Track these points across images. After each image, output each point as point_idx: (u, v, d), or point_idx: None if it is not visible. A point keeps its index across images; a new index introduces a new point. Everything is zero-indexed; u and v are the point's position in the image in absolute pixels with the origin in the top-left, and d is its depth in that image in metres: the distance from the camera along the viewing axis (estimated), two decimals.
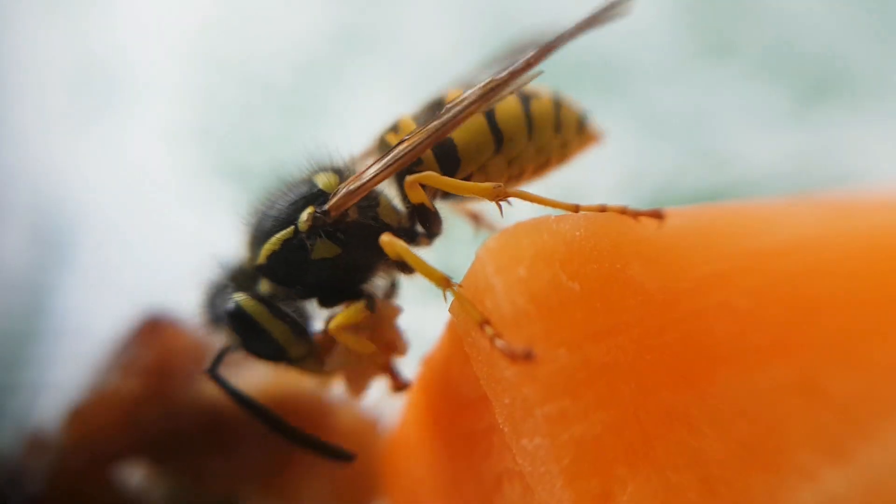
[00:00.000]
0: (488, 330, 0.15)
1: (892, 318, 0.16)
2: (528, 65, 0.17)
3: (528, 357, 0.15)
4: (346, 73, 0.30)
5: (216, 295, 0.18)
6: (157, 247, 0.25)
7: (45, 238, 0.25)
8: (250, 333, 0.18)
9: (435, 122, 0.17)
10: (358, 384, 0.18)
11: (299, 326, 0.18)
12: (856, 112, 0.30)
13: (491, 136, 0.18)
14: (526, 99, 0.19)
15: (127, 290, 0.23)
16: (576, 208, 0.17)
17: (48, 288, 0.23)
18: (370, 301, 0.18)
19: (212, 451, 0.19)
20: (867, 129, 0.30)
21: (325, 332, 0.18)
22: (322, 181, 0.18)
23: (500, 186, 0.17)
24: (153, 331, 0.19)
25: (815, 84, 0.31)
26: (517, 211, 0.18)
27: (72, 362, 0.21)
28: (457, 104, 0.17)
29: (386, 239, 0.17)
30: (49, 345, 0.22)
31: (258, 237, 0.18)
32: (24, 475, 0.19)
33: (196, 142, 0.28)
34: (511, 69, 0.17)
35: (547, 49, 0.17)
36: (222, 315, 0.18)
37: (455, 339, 0.17)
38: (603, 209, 0.17)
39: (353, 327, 0.18)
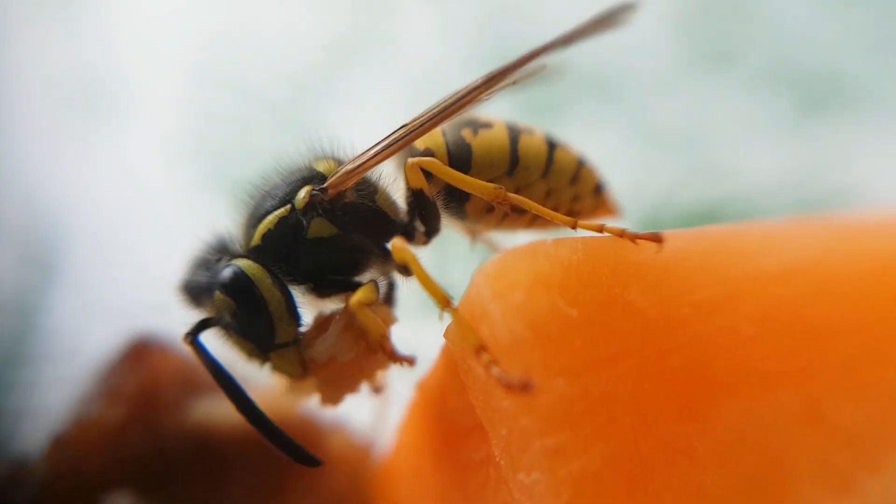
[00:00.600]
0: (485, 357, 0.15)
1: (892, 341, 0.16)
2: (531, 57, 0.17)
3: (525, 387, 0.14)
4: (341, 84, 0.30)
5: (205, 267, 0.18)
6: (150, 265, 0.24)
7: (35, 257, 0.24)
8: (247, 300, 0.17)
9: (436, 107, 0.17)
10: (335, 389, 0.17)
11: (294, 305, 0.17)
12: (855, 123, 0.30)
13: (508, 157, 0.18)
14: (553, 145, 0.19)
15: (117, 310, 0.23)
16: (574, 223, 0.17)
17: (36, 309, 0.23)
18: (377, 284, 0.17)
19: (199, 479, 0.18)
20: (866, 141, 0.30)
21: (316, 323, 0.18)
22: (322, 166, 0.18)
23: (501, 188, 0.17)
24: (140, 355, 0.19)
25: (814, 96, 0.31)
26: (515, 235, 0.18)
27: (56, 388, 0.21)
28: (460, 91, 0.17)
29: (397, 244, 0.17)
30: (34, 369, 0.21)
31: (253, 218, 0.18)
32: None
33: (191, 155, 0.27)
34: (515, 60, 0.17)
35: (550, 46, 0.17)
36: (216, 282, 0.17)
37: (450, 364, 0.17)
38: (601, 229, 0.17)
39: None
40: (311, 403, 0.18)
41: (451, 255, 0.24)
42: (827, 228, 0.18)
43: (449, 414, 0.17)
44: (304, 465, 0.17)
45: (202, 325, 0.17)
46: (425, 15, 0.31)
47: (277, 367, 0.18)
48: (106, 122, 0.28)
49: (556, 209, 0.19)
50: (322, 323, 0.18)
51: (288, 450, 0.17)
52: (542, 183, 0.19)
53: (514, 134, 0.19)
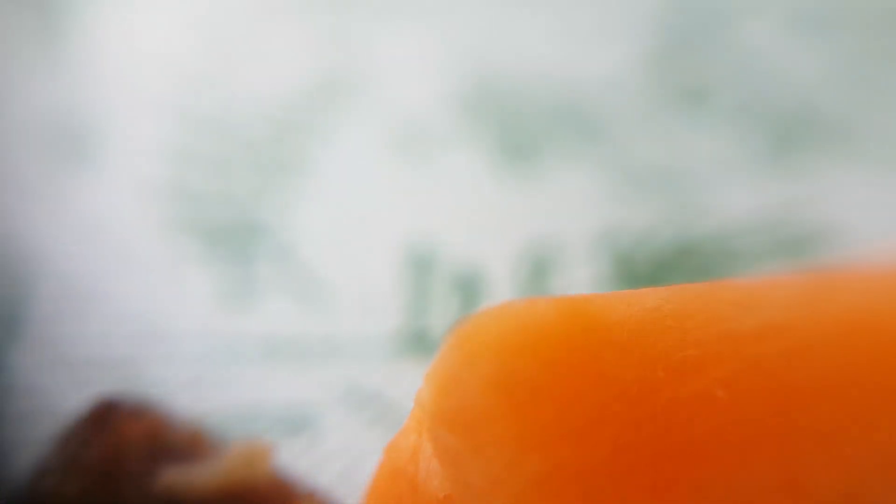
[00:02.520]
0: (457, 426, 0.15)
1: (873, 406, 0.16)
2: None
3: (499, 463, 0.14)
4: (321, 126, 0.30)
5: None
6: (123, 316, 0.24)
7: (0, 312, 0.24)
8: None
9: None
10: None
11: None
12: (832, 160, 0.30)
13: None
14: None
15: (84, 366, 0.23)
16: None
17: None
18: None
19: None
20: (843, 178, 0.30)
21: None
22: None
23: None
24: (104, 420, 0.18)
25: (790, 132, 0.31)
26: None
27: (16, 452, 0.20)
28: None
29: None
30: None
31: None
32: None
33: (167, 199, 0.27)
34: None
35: None
36: None
37: (421, 429, 0.17)
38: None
39: None
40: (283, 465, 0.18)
41: (433, 297, 0.24)
42: (801, 287, 0.18)
43: (419, 481, 0.17)
44: None
45: None
46: (407, 56, 0.31)
47: None
48: (79, 167, 0.28)
49: None
50: None
51: None
52: None
53: None
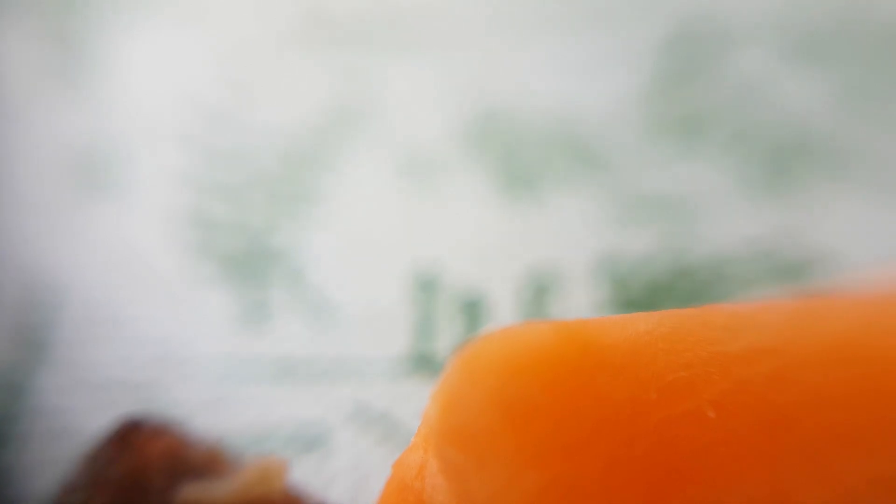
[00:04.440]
0: (461, 444, 0.16)
1: (860, 425, 0.17)
2: None
3: (500, 478, 0.15)
4: (333, 157, 0.31)
5: None
6: (145, 341, 0.25)
7: (27, 336, 0.25)
8: None
9: None
10: None
11: None
12: (827, 187, 0.31)
13: None
14: None
15: (109, 389, 0.23)
16: None
17: (26, 389, 0.23)
18: None
19: None
20: (838, 205, 0.31)
21: None
22: None
23: None
24: (128, 439, 0.19)
25: (785, 160, 0.32)
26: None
27: (43, 470, 0.21)
28: None
29: None
30: (21, 450, 0.22)
31: None
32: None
33: (186, 227, 0.28)
34: None
35: None
36: None
37: (427, 446, 0.18)
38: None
39: None
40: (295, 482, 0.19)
41: (438, 320, 0.24)
42: (789, 311, 0.19)
43: (425, 496, 0.18)
44: None
45: None
46: (413, 89, 0.32)
47: None
48: (103, 197, 0.29)
49: None
50: None
51: None
52: None
53: None
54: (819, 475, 0.16)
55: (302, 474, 0.22)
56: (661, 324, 0.18)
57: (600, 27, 0.35)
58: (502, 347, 0.17)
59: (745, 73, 0.35)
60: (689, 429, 0.16)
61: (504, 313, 0.27)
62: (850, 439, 0.16)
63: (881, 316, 0.19)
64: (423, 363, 0.25)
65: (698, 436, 0.16)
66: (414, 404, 0.23)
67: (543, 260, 0.28)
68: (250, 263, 0.28)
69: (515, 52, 0.35)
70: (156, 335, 0.25)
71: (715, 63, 0.34)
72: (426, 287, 0.27)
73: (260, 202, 0.30)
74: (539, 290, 0.28)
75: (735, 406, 0.16)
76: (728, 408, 0.16)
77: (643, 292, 0.27)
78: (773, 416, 0.16)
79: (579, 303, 0.27)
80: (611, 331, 0.17)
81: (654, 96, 0.33)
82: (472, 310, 0.27)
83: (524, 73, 0.33)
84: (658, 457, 0.16)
